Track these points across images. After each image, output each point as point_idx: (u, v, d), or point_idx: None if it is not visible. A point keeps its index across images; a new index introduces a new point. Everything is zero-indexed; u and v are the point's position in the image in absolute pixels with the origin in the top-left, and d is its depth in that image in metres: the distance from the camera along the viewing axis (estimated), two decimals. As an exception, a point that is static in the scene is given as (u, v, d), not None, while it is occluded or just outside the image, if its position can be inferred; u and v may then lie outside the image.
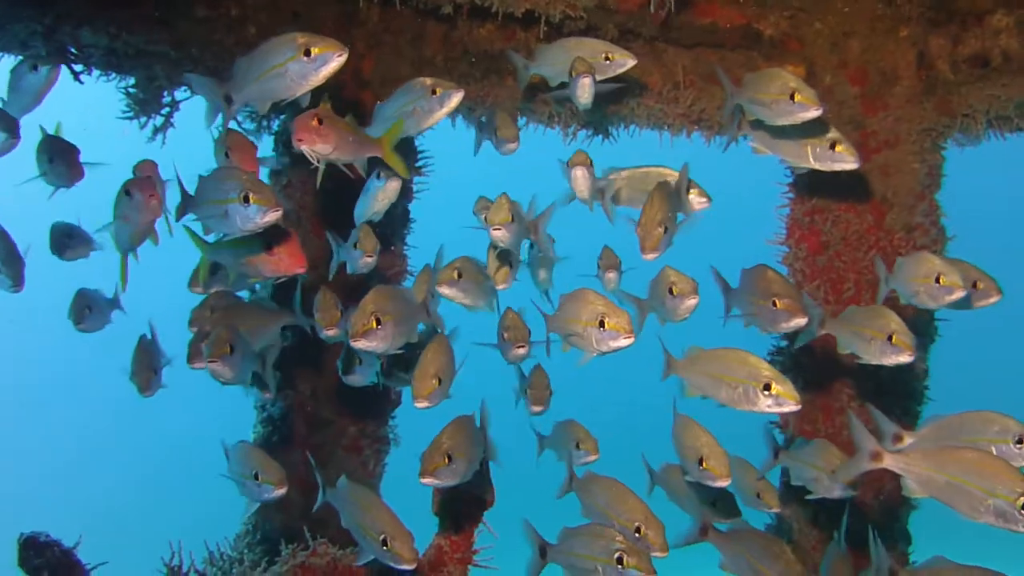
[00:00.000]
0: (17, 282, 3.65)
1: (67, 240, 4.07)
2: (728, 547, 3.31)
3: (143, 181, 3.18)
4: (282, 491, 3.19)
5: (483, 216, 3.47)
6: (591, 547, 2.87)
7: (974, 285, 3.47)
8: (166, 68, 4.04)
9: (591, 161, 3.46)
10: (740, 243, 3.57)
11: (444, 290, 3.30)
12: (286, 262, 3.05)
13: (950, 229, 4.05)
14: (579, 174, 3.43)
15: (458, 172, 3.91)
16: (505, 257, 3.69)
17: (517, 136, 3.67)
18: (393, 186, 3.43)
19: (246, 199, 2.73)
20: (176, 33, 3.81)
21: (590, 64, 3.44)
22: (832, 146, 3.49)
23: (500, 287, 3.66)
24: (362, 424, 4.30)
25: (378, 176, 3.42)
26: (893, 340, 3.18)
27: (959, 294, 3.24)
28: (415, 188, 4.49)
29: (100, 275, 3.98)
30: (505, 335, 3.39)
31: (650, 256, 3.20)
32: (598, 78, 3.51)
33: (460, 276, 3.30)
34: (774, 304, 3.16)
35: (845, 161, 3.50)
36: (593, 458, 3.59)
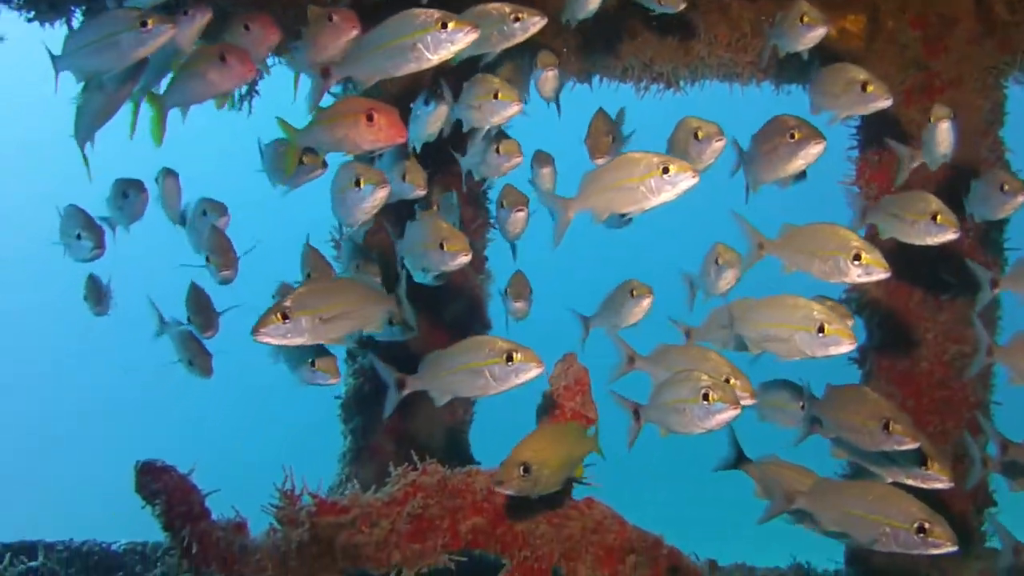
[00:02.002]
0: (99, 244, 3.77)
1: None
2: (831, 414, 3.23)
3: (239, 50, 3.12)
4: (335, 381, 3.39)
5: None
6: (678, 392, 2.84)
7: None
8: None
9: (558, 63, 3.72)
10: (810, 186, 3.67)
11: None
12: (387, 132, 2.97)
13: (1014, 164, 4.18)
14: (549, 75, 3.69)
15: (535, 133, 4.01)
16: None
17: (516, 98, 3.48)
18: (444, 110, 3.47)
19: (444, 25, 2.74)
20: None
21: None
22: (863, 87, 3.44)
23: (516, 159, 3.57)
24: (450, 372, 4.33)
25: (426, 102, 3.48)
26: (937, 220, 3.24)
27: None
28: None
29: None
30: (505, 201, 3.61)
31: (600, 160, 3.60)
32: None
33: None
34: (792, 136, 3.15)
35: (878, 100, 3.44)
36: (649, 300, 3.62)
